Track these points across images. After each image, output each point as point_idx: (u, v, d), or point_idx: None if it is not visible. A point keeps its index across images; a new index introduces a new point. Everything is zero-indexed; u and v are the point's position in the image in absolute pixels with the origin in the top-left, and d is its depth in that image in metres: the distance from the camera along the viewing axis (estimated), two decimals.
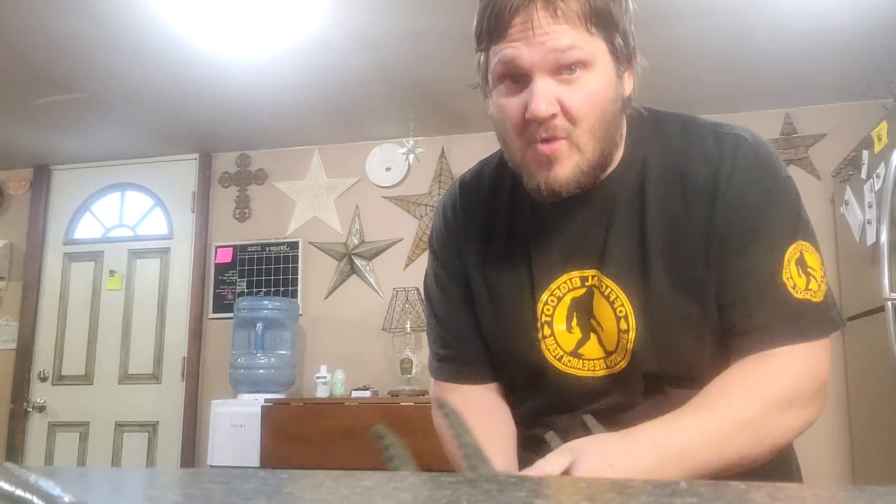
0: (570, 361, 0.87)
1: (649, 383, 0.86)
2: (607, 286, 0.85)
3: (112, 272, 4.13)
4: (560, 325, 0.87)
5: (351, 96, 3.34)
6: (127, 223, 4.21)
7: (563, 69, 0.78)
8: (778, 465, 0.93)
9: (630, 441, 0.73)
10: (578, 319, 0.87)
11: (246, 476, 0.61)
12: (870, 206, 2.64)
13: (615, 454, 0.70)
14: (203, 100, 3.35)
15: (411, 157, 3.69)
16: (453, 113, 3.52)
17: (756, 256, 0.81)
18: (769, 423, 0.77)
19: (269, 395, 3.34)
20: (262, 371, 3.49)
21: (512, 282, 0.91)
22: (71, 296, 4.14)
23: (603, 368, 0.86)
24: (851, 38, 2.79)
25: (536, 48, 0.77)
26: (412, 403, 3.09)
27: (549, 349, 0.88)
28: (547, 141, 0.79)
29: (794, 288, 0.80)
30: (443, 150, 3.82)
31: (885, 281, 2.40)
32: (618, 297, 0.84)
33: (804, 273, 0.81)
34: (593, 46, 0.78)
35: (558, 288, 0.88)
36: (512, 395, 0.97)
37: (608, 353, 0.86)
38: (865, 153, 2.70)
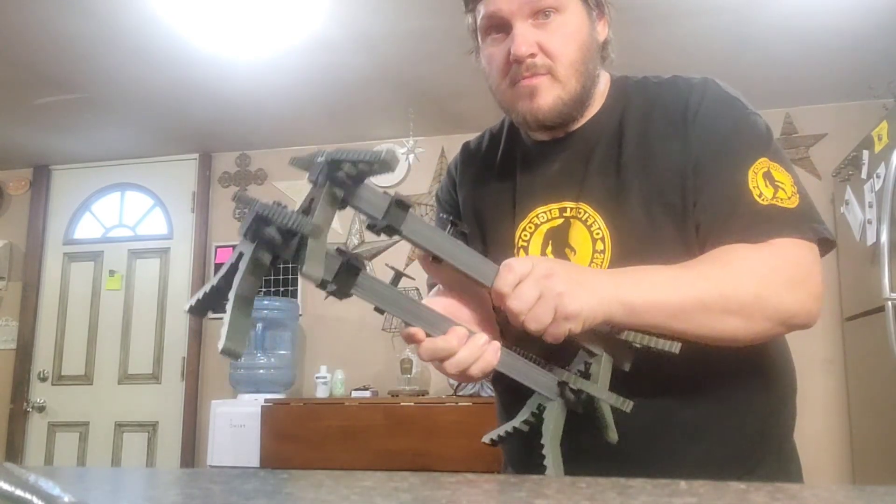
0: None
1: None
2: (585, 211, 0.92)
3: (112, 272, 4.13)
4: (535, 251, 0.94)
5: (351, 96, 3.33)
6: (127, 223, 4.21)
7: (539, 14, 0.88)
8: (780, 463, 0.93)
9: (592, 270, 0.84)
10: (553, 248, 0.93)
11: (246, 476, 0.61)
12: (870, 206, 2.64)
13: (572, 267, 0.79)
14: (203, 100, 3.34)
15: (411, 157, 3.68)
16: (453, 113, 3.52)
17: (724, 172, 0.86)
18: (739, 286, 0.79)
19: (269, 395, 3.34)
20: (262, 371, 3.48)
21: (497, 211, 1.00)
22: (71, 296, 4.14)
23: None
24: (852, 39, 2.79)
25: (513, 0, 0.88)
26: (412, 403, 3.09)
27: None
28: (528, 77, 0.89)
29: (760, 196, 0.84)
30: (443, 150, 3.81)
31: (886, 281, 2.40)
32: (595, 220, 0.91)
33: (772, 185, 0.85)
34: None
35: (537, 217, 0.95)
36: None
37: None
38: (866, 153, 2.70)
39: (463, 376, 0.76)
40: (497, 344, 0.75)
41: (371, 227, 0.69)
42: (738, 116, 0.90)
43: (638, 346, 0.78)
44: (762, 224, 0.83)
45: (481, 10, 0.91)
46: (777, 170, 0.86)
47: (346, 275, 0.67)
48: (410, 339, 0.74)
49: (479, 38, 0.94)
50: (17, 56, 2.88)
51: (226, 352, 0.60)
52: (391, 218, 0.68)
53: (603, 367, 0.78)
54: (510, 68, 0.90)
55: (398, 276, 0.74)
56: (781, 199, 0.84)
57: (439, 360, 0.74)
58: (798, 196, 0.85)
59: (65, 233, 4.22)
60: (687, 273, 0.80)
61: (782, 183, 0.85)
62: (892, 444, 2.63)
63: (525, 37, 0.87)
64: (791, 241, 0.82)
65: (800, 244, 0.83)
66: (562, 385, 0.78)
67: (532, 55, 0.88)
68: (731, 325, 0.79)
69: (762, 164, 0.86)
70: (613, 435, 0.78)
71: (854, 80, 3.14)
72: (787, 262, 0.82)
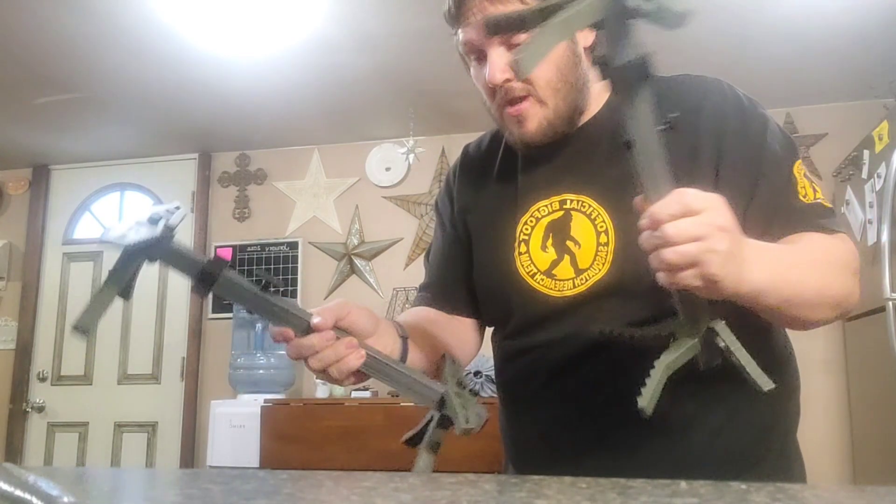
0: (542, 280, 0.93)
1: (616, 305, 0.88)
2: (588, 205, 0.92)
3: None
4: (536, 244, 0.94)
5: (351, 96, 3.33)
6: None
7: (511, 38, 0.87)
8: (783, 460, 0.93)
9: (752, 244, 0.74)
10: (554, 240, 0.93)
11: (245, 476, 0.61)
12: (871, 206, 2.64)
13: (738, 233, 0.70)
14: (203, 100, 3.34)
15: (411, 156, 3.68)
16: (453, 113, 3.52)
17: (772, 174, 0.87)
18: (835, 273, 0.82)
19: (268, 396, 3.33)
20: (261, 371, 3.48)
21: (499, 208, 1.00)
22: (70, 296, 4.13)
23: (571, 288, 0.91)
24: (852, 38, 2.79)
25: (481, 27, 0.87)
26: (412, 404, 3.08)
27: (522, 265, 0.95)
28: (511, 103, 0.90)
29: (804, 196, 0.87)
30: (443, 149, 3.81)
31: (886, 281, 2.40)
32: (599, 214, 0.91)
33: (812, 186, 0.89)
34: None
35: (538, 210, 0.95)
36: (493, 329, 1.04)
37: (580, 272, 0.91)
38: (866, 153, 2.70)
39: (327, 377, 0.79)
40: (362, 351, 0.78)
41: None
42: (768, 119, 0.91)
43: (734, 362, 0.71)
44: (819, 220, 0.86)
45: (460, 36, 0.92)
46: (806, 171, 0.90)
47: (204, 282, 0.74)
48: (280, 338, 0.78)
49: (464, 60, 0.97)
50: (17, 56, 2.88)
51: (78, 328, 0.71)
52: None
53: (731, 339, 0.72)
54: (495, 92, 0.91)
55: (266, 283, 0.76)
56: (822, 198, 0.89)
57: (304, 358, 0.78)
58: (824, 196, 0.90)
59: (64, 233, 4.21)
60: (806, 260, 0.80)
61: (815, 183, 0.90)
62: (892, 445, 2.62)
63: (497, 63, 0.88)
64: (843, 236, 0.87)
65: (846, 239, 0.87)
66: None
67: (507, 80, 0.88)
68: (821, 315, 0.81)
69: (801, 166, 0.89)
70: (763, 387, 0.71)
71: (855, 79, 3.14)
72: (854, 255, 0.86)
